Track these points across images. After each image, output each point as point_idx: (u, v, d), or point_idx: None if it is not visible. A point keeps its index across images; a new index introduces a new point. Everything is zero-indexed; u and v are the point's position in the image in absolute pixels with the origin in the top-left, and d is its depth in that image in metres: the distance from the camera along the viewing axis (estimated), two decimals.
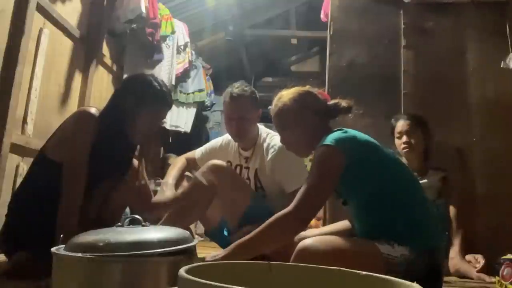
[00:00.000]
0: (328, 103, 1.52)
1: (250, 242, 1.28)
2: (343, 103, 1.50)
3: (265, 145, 2.10)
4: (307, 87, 1.55)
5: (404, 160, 2.20)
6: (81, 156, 1.54)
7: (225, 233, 2.12)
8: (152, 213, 1.86)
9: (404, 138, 2.22)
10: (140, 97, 1.63)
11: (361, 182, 1.33)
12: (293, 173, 1.96)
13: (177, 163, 2.28)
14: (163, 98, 1.66)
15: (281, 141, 1.58)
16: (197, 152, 2.34)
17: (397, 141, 2.27)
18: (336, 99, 1.53)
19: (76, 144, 1.55)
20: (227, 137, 2.27)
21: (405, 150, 2.21)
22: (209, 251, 1.94)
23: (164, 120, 4.12)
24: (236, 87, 2.08)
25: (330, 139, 1.32)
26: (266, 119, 2.34)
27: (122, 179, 1.75)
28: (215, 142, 2.32)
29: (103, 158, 1.59)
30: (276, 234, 1.30)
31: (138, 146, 1.80)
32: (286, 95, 1.51)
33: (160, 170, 3.49)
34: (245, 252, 1.27)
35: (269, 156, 2.05)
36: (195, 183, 2.02)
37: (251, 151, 2.14)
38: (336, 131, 1.38)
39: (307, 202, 1.28)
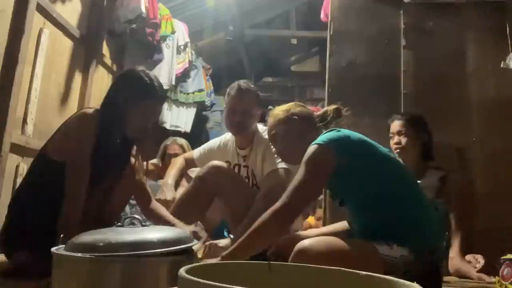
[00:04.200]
0: (317, 113, 1.58)
1: (247, 242, 1.30)
2: (331, 110, 1.54)
3: (261, 143, 2.11)
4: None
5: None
6: (84, 156, 1.54)
7: (226, 233, 2.13)
8: (152, 214, 1.84)
9: (396, 139, 2.21)
10: (130, 92, 1.64)
11: (357, 182, 1.33)
12: (270, 160, 2.01)
13: (176, 163, 2.29)
14: (152, 93, 1.65)
15: (276, 152, 1.67)
16: (195, 152, 2.34)
17: (391, 142, 2.26)
18: (325, 107, 1.60)
19: (79, 144, 1.55)
20: (225, 137, 2.27)
21: (397, 150, 2.20)
22: None
23: (164, 120, 4.15)
24: (243, 82, 2.13)
25: (321, 138, 1.35)
26: (265, 119, 2.35)
27: (121, 176, 1.75)
28: (213, 142, 2.32)
29: (102, 157, 1.59)
30: (268, 232, 1.32)
31: (135, 145, 1.80)
32: (276, 109, 1.62)
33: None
34: (245, 253, 1.29)
35: (261, 151, 2.07)
36: (196, 184, 2.02)
37: (248, 149, 2.14)
38: (329, 131, 1.39)
39: (294, 198, 1.29)
